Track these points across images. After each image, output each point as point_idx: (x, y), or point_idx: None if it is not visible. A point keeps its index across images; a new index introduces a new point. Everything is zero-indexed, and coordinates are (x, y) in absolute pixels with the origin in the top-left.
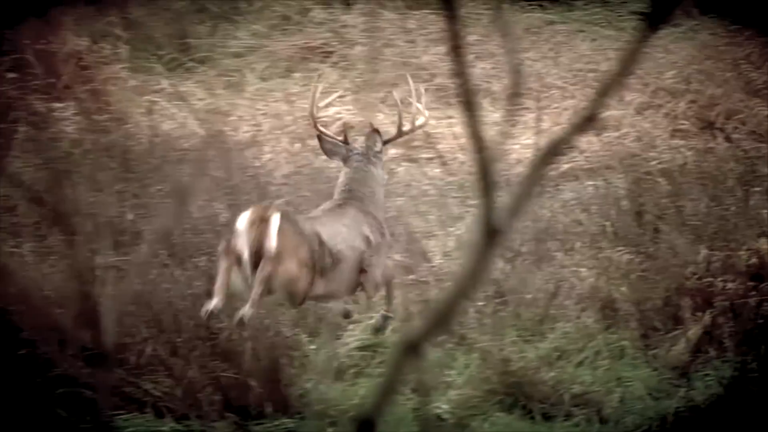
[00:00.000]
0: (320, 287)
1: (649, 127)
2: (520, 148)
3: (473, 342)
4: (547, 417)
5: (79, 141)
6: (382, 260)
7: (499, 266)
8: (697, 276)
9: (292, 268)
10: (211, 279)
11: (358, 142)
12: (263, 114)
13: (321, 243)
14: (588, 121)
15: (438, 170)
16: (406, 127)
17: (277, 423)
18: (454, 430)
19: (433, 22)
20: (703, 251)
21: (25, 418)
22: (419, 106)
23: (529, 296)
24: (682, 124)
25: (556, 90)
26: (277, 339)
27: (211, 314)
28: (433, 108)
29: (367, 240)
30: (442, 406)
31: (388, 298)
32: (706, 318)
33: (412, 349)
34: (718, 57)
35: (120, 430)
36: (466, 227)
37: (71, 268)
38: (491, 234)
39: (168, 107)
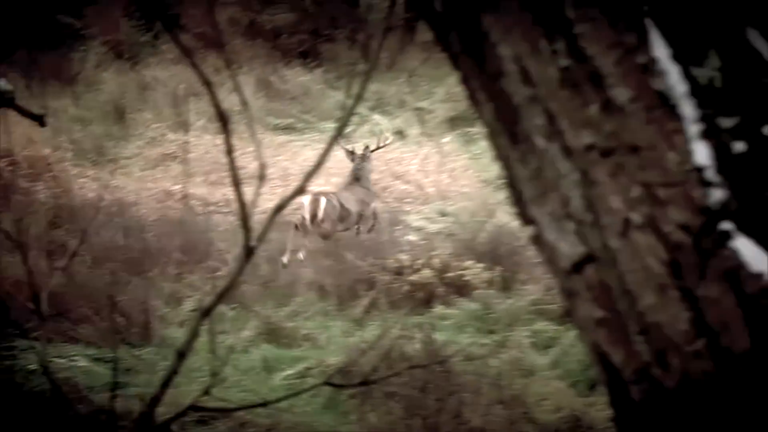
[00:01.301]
0: (340, 227)
1: None
2: (269, 208)
3: (252, 308)
4: (288, 346)
5: (44, 203)
6: (370, 210)
7: (263, 268)
8: (368, 272)
9: (329, 225)
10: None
11: (359, 151)
12: (143, 188)
13: (342, 207)
14: (299, 191)
15: (232, 217)
16: (381, 144)
17: (146, 350)
18: (236, 353)
19: (236, 140)
20: (370, 259)
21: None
22: (387, 134)
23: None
24: None
25: (293, 176)
26: (148, 305)
27: (285, 265)
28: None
29: (363, 202)
30: (230, 341)
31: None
32: (372, 294)
33: (206, 312)
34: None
35: (64, 354)
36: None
37: (28, 271)
38: (248, 251)
39: (92, 185)
